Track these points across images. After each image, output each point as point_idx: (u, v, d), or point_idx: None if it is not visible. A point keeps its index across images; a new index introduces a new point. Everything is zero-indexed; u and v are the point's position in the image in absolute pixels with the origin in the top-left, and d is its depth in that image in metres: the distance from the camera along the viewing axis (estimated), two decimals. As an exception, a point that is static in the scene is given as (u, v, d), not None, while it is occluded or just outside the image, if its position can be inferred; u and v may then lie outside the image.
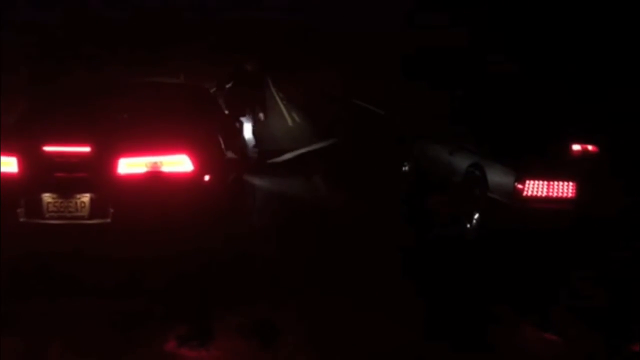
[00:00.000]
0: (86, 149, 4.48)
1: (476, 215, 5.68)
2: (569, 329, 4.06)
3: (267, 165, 9.26)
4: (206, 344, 3.68)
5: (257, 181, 8.28)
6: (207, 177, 4.88)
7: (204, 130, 5.43)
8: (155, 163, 4.59)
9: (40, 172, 4.44)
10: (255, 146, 9.58)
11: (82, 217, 4.49)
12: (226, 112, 7.94)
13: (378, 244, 5.68)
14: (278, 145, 11.23)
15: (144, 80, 6.30)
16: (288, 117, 17.49)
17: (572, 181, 4.97)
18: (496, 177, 5.43)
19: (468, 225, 5.77)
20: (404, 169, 8.19)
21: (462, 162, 6.09)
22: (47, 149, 4.45)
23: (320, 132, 13.76)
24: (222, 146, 5.82)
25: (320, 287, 4.55)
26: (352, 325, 3.96)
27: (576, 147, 5.31)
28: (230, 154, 6.35)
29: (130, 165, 4.53)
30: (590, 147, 5.32)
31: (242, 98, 9.07)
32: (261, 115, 9.76)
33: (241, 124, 8.22)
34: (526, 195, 5.03)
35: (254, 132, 9.60)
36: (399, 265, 5.12)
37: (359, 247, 5.49)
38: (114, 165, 4.49)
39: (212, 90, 7.99)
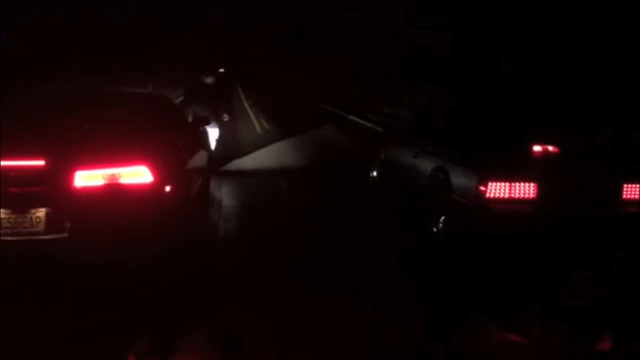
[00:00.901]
0: (40, 162, 4.34)
1: (442, 218, 5.69)
2: (534, 329, 4.09)
3: (220, 172, 9.24)
4: (168, 358, 3.61)
5: (225, 188, 8.25)
6: (168, 188, 4.78)
7: (164, 140, 5.33)
8: (113, 175, 4.47)
9: (-6, 188, 4.29)
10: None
11: (38, 233, 4.34)
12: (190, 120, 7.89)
13: (344, 247, 5.68)
14: (244, 153, 11.23)
15: (102, 90, 6.18)
16: (257, 125, 17.46)
17: (534, 182, 5.01)
18: (459, 179, 5.46)
19: (434, 229, 5.78)
20: (371, 174, 8.20)
21: (426, 166, 6.12)
22: (1, 163, 4.31)
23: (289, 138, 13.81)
24: (184, 155, 5.73)
25: (283, 295, 4.50)
26: (315, 333, 3.91)
27: (537, 148, 5.35)
28: (194, 162, 6.27)
29: (86, 178, 4.41)
30: (550, 148, 5.37)
31: (197, 107, 9.09)
32: (225, 116, 9.77)
33: (205, 132, 8.12)
34: (488, 197, 5.05)
35: (217, 139, 9.59)
36: (366, 268, 5.13)
37: (324, 251, 5.48)
38: (70, 178, 4.37)
39: (178, 100, 7.95)
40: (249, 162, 10.59)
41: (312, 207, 7.26)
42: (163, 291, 4.46)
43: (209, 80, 9.51)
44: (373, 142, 8.52)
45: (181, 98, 9.79)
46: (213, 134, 9.57)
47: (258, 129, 16.47)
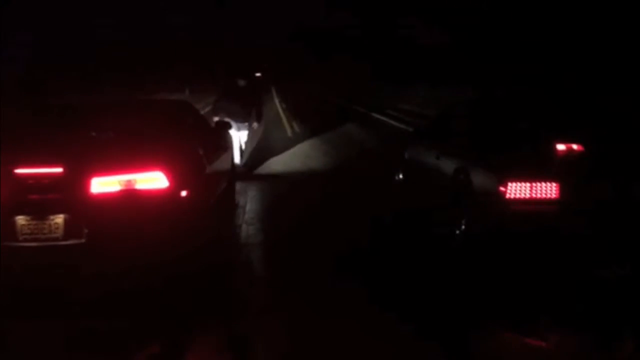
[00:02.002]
0: (58, 170, 4.44)
1: (464, 219, 5.58)
2: (551, 334, 3.98)
3: (254, 176, 9.34)
4: (179, 361, 3.64)
5: (251, 192, 8.30)
6: (184, 193, 4.82)
7: (181, 145, 5.38)
8: (129, 181, 4.53)
9: (13, 195, 4.40)
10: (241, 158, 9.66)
11: (57, 239, 4.44)
12: (225, 120, 8.01)
13: (367, 249, 5.64)
14: (274, 156, 11.31)
15: (120, 98, 6.28)
16: (288, 128, 17.51)
17: (555, 182, 4.87)
18: (480, 180, 5.35)
19: (457, 231, 5.68)
20: (396, 176, 8.12)
21: (448, 167, 6.02)
22: (19, 171, 4.42)
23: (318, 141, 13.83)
24: (204, 161, 5.76)
25: (297, 303, 4.48)
26: (332, 338, 3.88)
27: (560, 146, 5.19)
28: (216, 167, 6.31)
29: (103, 184, 4.48)
30: (574, 147, 5.20)
31: (230, 110, 9.19)
32: (255, 124, 9.86)
33: (229, 136, 8.17)
34: (509, 197, 4.94)
35: (245, 144, 9.67)
36: (386, 270, 5.11)
37: (344, 257, 5.44)
38: (87, 185, 4.45)
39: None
40: (277, 165, 10.62)
41: (336, 212, 7.22)
42: (176, 296, 4.50)
43: (242, 83, 9.59)
44: (398, 142, 8.43)
45: (213, 101, 9.99)
46: (242, 137, 9.68)
47: (289, 132, 16.51)
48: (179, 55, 44.01)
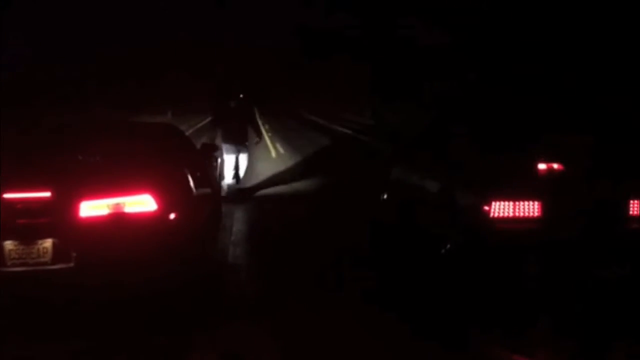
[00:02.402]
0: (46, 194, 4.45)
1: (450, 238, 5.65)
2: (540, 349, 4.05)
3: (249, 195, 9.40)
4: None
5: (237, 213, 8.33)
6: (172, 215, 4.85)
7: (169, 168, 5.41)
8: (118, 204, 4.55)
9: (1, 220, 4.39)
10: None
11: (45, 263, 4.43)
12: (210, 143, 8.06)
13: (355, 269, 5.71)
14: (259, 178, 11.37)
15: (107, 121, 6.32)
16: (272, 150, 17.60)
17: (538, 200, 4.97)
18: (464, 199, 5.43)
19: (442, 250, 5.74)
20: (382, 196, 8.18)
21: (433, 187, 6.10)
22: (7, 196, 4.42)
23: (305, 164, 13.93)
24: (191, 183, 5.79)
25: (289, 318, 4.55)
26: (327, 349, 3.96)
27: (542, 166, 5.31)
28: (203, 190, 6.34)
29: (92, 208, 4.49)
30: (555, 166, 5.32)
31: (228, 130, 9.44)
32: (257, 139, 10.18)
33: (216, 159, 8.22)
34: (493, 216, 5.02)
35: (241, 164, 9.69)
36: (376, 289, 5.21)
37: (331, 276, 5.51)
38: (75, 209, 4.46)
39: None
40: (262, 186, 10.68)
41: (322, 233, 7.28)
42: (168, 314, 4.52)
43: (232, 104, 9.67)
44: (384, 162, 8.55)
45: (208, 121, 10.14)
46: (242, 159, 9.71)
47: (273, 154, 16.59)
48: (178, 57, 43.85)
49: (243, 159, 9.79)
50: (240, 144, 9.64)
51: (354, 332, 4.25)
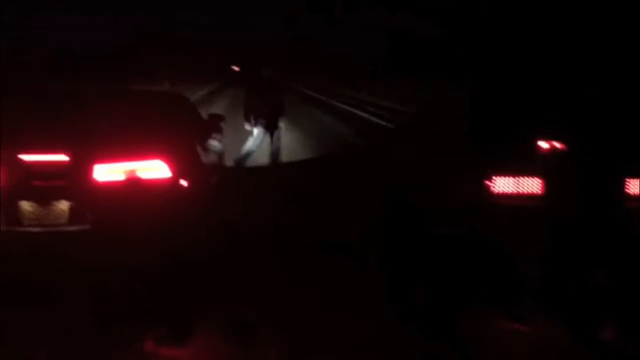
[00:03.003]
0: (63, 157, 4.56)
1: (451, 213, 5.79)
2: (538, 320, 4.21)
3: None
4: (184, 343, 3.79)
5: (239, 184, 8.42)
6: (184, 183, 4.97)
7: (181, 137, 5.52)
8: (132, 169, 4.68)
9: (18, 181, 4.51)
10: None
11: (61, 224, 4.56)
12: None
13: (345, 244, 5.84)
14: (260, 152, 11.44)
15: (120, 88, 6.39)
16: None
17: (539, 177, 5.12)
18: (468, 175, 5.57)
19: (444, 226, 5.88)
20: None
21: (434, 163, 6.24)
22: (24, 157, 4.53)
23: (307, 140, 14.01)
24: (201, 152, 5.91)
25: (297, 286, 4.68)
26: (327, 322, 4.07)
27: (544, 144, 5.46)
28: (210, 159, 6.46)
29: (106, 172, 4.62)
30: (557, 144, 5.47)
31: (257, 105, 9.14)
32: (281, 124, 9.65)
33: (221, 129, 8.27)
34: (495, 191, 5.17)
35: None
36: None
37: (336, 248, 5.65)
38: (90, 172, 4.58)
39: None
40: (264, 158, 10.77)
41: (324, 199, 7.40)
42: (179, 280, 4.65)
43: (266, 73, 9.26)
44: (384, 139, 8.67)
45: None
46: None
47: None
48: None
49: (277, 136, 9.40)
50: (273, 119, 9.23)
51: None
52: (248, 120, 9.54)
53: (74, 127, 5.06)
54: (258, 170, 9.71)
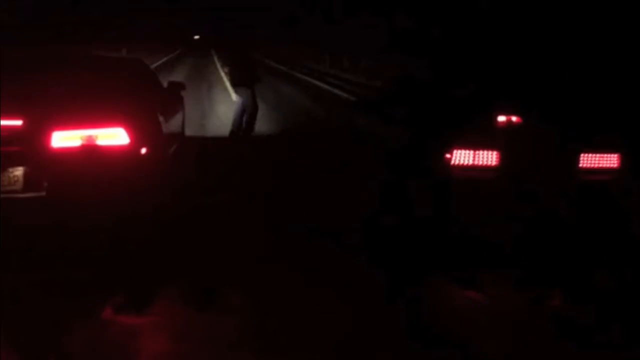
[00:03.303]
0: (18, 122, 4.44)
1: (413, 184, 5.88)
2: (492, 288, 4.35)
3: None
4: (143, 311, 3.79)
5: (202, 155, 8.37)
6: (143, 150, 4.91)
7: (140, 103, 5.43)
8: (90, 136, 4.59)
9: (-29, 146, 4.38)
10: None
11: (16, 191, 4.47)
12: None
13: (317, 208, 5.90)
14: (221, 122, 11.38)
15: (79, 53, 6.23)
16: (232, 93, 17.43)
17: (496, 150, 5.24)
18: (430, 147, 5.66)
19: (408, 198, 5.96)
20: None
21: (398, 135, 6.31)
22: (-22, 123, 4.39)
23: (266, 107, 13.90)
24: (160, 120, 5.83)
25: (261, 254, 4.73)
26: (296, 291, 4.14)
27: (501, 118, 5.57)
28: (170, 127, 6.38)
29: (64, 139, 4.52)
30: (514, 119, 5.59)
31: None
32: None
33: (181, 97, 8.17)
34: (454, 163, 5.27)
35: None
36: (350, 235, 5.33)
37: (300, 214, 5.70)
38: (47, 139, 4.48)
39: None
40: (224, 129, 10.69)
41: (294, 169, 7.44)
42: (138, 249, 4.63)
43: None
44: (346, 110, 8.73)
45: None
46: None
47: (234, 97, 16.46)
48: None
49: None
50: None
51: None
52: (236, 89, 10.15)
53: (31, 93, 4.92)
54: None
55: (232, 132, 9.76)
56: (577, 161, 5.34)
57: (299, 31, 50.10)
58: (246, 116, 9.78)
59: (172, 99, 7.19)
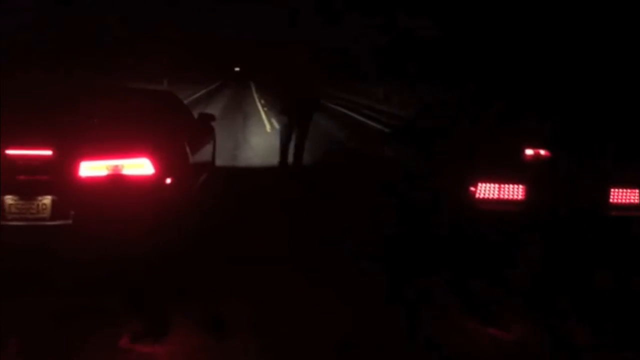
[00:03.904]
0: (48, 152, 4.58)
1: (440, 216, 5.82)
2: (513, 324, 4.24)
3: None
4: (160, 340, 3.80)
5: (230, 183, 8.46)
6: (168, 180, 5.00)
7: (167, 134, 5.54)
8: (117, 166, 4.70)
9: (2, 175, 4.53)
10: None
11: (44, 219, 4.58)
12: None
13: (335, 238, 5.88)
14: (254, 153, 11.51)
15: (109, 85, 6.43)
16: (267, 124, 17.69)
17: (522, 184, 5.15)
18: (453, 180, 5.61)
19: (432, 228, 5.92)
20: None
21: (424, 168, 6.28)
22: (9, 152, 4.55)
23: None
24: (188, 151, 5.93)
25: (274, 284, 4.72)
26: (304, 317, 4.13)
27: (529, 151, 5.49)
28: (199, 158, 6.48)
29: (91, 168, 4.64)
30: (542, 152, 5.51)
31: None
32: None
33: (212, 128, 8.30)
34: (479, 197, 5.20)
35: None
36: (362, 259, 5.37)
37: (316, 244, 5.70)
38: (75, 168, 4.60)
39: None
40: (256, 159, 10.81)
41: (312, 205, 7.46)
42: (158, 278, 4.67)
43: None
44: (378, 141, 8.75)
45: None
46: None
47: (268, 128, 16.69)
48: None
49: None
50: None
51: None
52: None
53: (61, 123, 5.08)
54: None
55: (281, 163, 9.55)
56: (608, 196, 5.21)
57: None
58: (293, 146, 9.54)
59: (203, 130, 7.31)
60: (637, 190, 5.21)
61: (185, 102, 21.28)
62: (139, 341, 3.77)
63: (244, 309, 4.26)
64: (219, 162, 9.36)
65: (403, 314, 4.33)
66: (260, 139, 13.88)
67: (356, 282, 4.86)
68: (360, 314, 4.28)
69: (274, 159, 10.73)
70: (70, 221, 4.59)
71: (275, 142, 13.24)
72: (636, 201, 5.20)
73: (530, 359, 3.89)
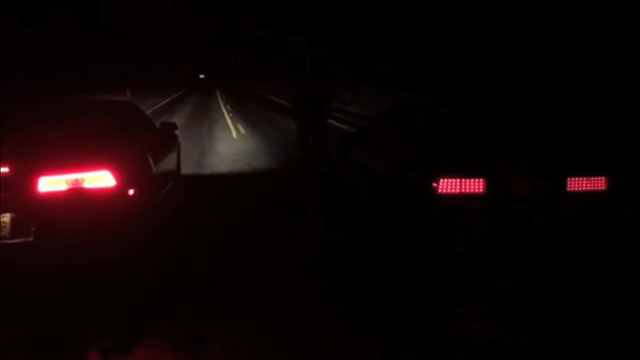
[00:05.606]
0: (4, 169, 4.51)
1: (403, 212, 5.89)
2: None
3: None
4: (129, 355, 3.76)
5: (197, 191, 8.40)
6: (131, 191, 4.95)
7: (128, 145, 5.50)
8: (77, 180, 4.64)
9: (-41, 194, 4.43)
10: None
11: (4, 237, 4.50)
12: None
13: (309, 238, 5.90)
14: (220, 159, 11.44)
15: (66, 98, 6.33)
16: (233, 130, 17.62)
17: (482, 178, 5.24)
18: (416, 177, 5.67)
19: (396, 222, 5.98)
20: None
21: (388, 165, 6.34)
22: (-34, 171, 4.46)
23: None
24: (150, 160, 5.89)
25: (246, 298, 4.68)
26: (280, 335, 4.07)
27: (486, 144, 5.61)
28: (162, 167, 6.43)
29: (50, 183, 4.57)
30: (499, 142, 5.64)
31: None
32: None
33: (176, 137, 8.26)
34: (441, 192, 5.27)
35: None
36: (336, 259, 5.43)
37: (287, 247, 5.69)
38: (34, 184, 4.53)
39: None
40: (223, 166, 10.75)
41: (277, 208, 7.46)
42: (125, 291, 4.62)
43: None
44: (340, 141, 8.78)
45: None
46: None
47: (234, 134, 16.62)
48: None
49: None
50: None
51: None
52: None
53: (18, 140, 5.00)
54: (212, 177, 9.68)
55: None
56: (565, 185, 5.33)
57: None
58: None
59: (165, 139, 7.26)
60: (593, 179, 5.34)
61: (149, 111, 21.15)
62: (108, 356, 3.74)
63: (216, 323, 4.23)
64: (185, 170, 9.30)
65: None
66: (226, 145, 13.81)
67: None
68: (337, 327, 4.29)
69: (240, 165, 10.72)
70: (31, 238, 4.51)
71: (241, 147, 13.29)
72: (593, 188, 5.33)
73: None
